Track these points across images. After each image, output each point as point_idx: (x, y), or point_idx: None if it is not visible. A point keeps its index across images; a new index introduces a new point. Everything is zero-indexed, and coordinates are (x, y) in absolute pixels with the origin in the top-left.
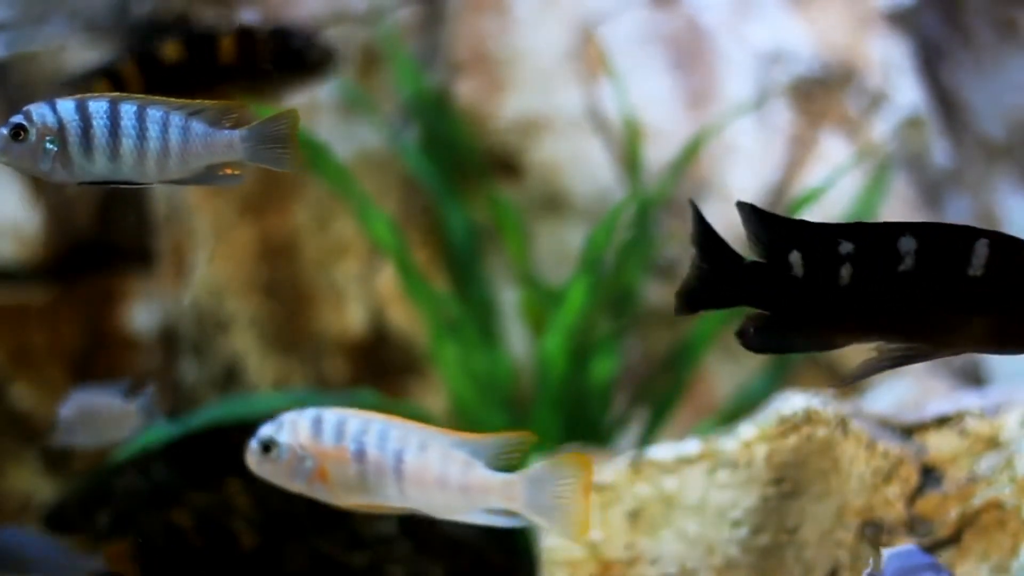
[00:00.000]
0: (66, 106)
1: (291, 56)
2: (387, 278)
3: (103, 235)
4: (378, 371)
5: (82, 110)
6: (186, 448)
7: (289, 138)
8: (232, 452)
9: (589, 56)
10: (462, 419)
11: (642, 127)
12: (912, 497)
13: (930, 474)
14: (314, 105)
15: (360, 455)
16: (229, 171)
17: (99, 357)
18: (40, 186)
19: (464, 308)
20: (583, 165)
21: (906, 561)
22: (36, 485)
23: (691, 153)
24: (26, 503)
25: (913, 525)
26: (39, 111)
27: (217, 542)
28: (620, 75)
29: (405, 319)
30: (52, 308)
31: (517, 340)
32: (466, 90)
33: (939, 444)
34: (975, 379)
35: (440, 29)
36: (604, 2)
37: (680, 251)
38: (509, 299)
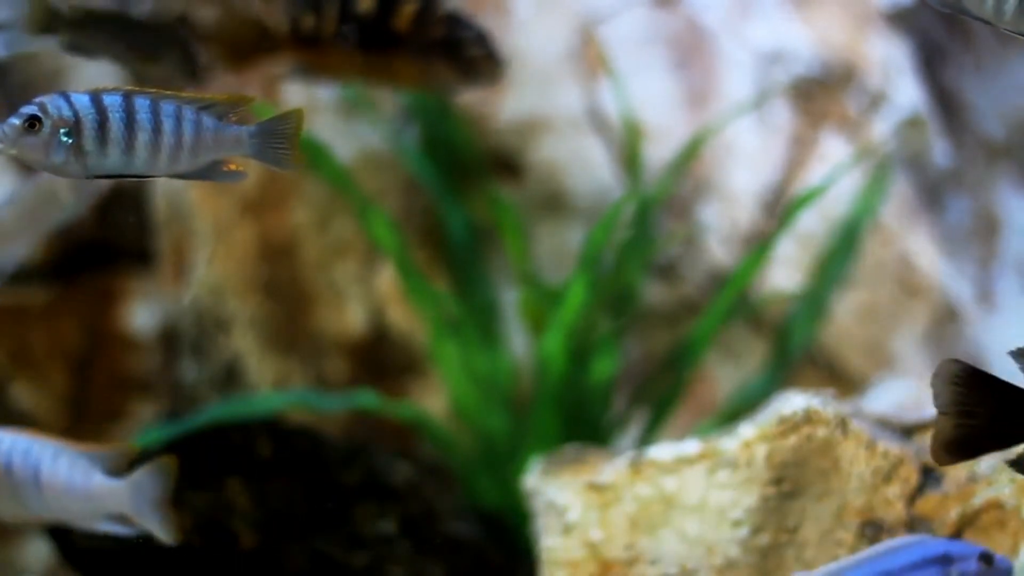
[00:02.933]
0: (81, 99)
1: (456, 44)
2: (387, 278)
3: (103, 235)
4: (378, 371)
5: (97, 103)
6: (186, 448)
7: (292, 137)
8: (232, 452)
9: (589, 56)
10: (462, 419)
11: (642, 127)
12: (912, 497)
13: (930, 474)
14: (314, 105)
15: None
16: (233, 167)
17: (99, 357)
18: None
19: (464, 308)
20: (583, 165)
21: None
22: None
23: (691, 153)
24: None
25: (913, 525)
26: (54, 103)
27: (217, 542)
28: (620, 75)
29: (405, 319)
30: (52, 308)
31: (517, 340)
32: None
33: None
34: None
35: None
36: (604, 2)
37: (680, 251)
38: (509, 299)
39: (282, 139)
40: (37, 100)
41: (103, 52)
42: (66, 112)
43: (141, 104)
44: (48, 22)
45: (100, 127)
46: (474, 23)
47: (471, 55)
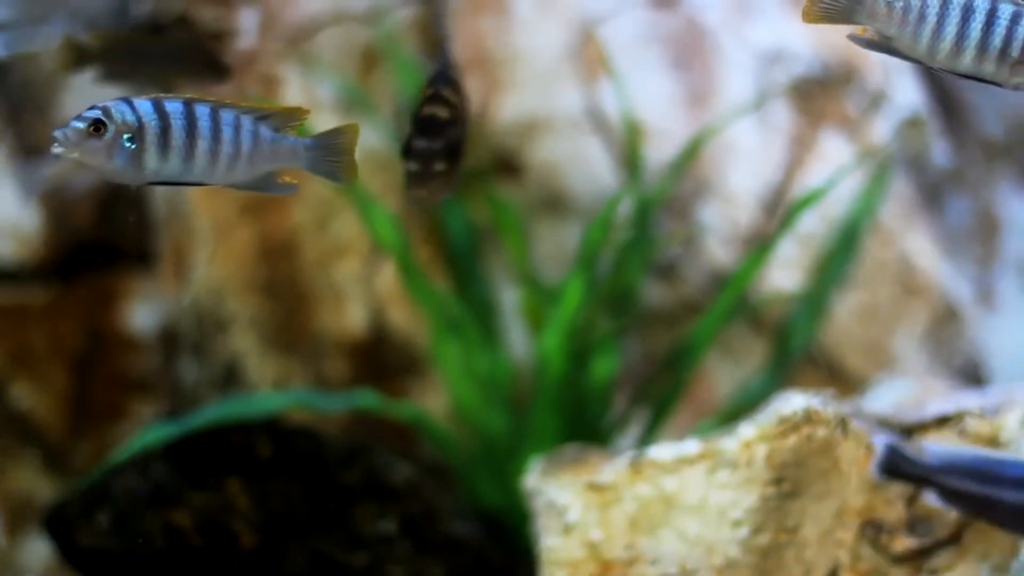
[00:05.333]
0: (144, 104)
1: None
2: (387, 278)
3: (103, 235)
4: (378, 371)
5: (160, 109)
6: (186, 448)
7: (348, 152)
8: (232, 452)
9: (589, 56)
10: (462, 419)
11: (642, 127)
12: (912, 497)
13: None
14: (314, 105)
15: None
16: (287, 179)
17: (99, 357)
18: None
19: (464, 308)
20: (583, 165)
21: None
22: (36, 485)
23: (691, 153)
24: (26, 503)
25: (913, 525)
26: (118, 108)
27: (217, 542)
28: (620, 75)
29: (405, 319)
30: (52, 308)
31: (517, 340)
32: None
33: (939, 444)
34: (975, 379)
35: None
36: (604, 2)
37: (680, 251)
38: (509, 299)
39: (338, 153)
40: (101, 104)
41: (135, 77)
42: (130, 117)
43: (202, 112)
44: (77, 59)
45: (162, 134)
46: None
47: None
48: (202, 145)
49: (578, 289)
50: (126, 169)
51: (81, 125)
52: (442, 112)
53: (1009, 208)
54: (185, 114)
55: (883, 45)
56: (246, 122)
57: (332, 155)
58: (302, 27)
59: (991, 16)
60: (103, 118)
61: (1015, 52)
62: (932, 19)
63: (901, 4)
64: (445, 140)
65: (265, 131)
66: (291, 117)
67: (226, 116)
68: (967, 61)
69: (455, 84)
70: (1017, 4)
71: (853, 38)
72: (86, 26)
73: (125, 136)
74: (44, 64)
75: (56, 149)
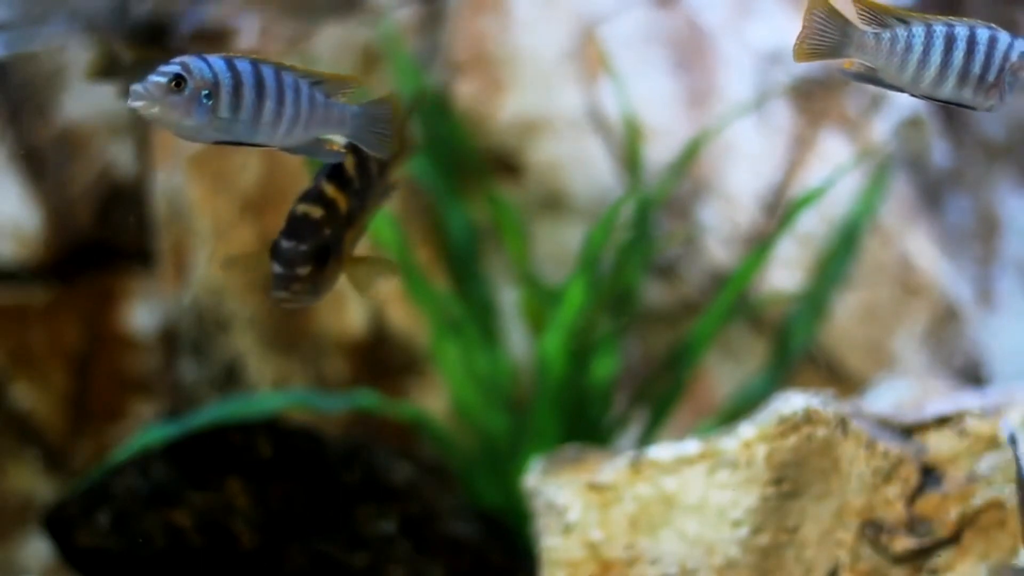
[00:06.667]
0: (218, 62)
1: None
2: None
3: (103, 235)
4: (378, 371)
5: (232, 68)
6: (186, 448)
7: (390, 123)
8: (232, 452)
9: (589, 56)
10: (462, 419)
11: (642, 127)
12: (912, 497)
13: (930, 474)
14: None
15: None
16: (334, 147)
17: (99, 357)
18: (41, 184)
19: (464, 308)
20: (583, 165)
21: None
22: (36, 485)
23: (691, 153)
24: (26, 503)
25: (913, 525)
26: (196, 64)
27: (217, 542)
28: (620, 75)
29: (405, 319)
30: (52, 308)
31: (518, 340)
32: (466, 90)
33: (939, 444)
34: (975, 379)
35: (440, 29)
36: (604, 2)
37: (680, 251)
38: (509, 299)
39: (382, 124)
40: (178, 60)
41: None
42: (207, 73)
43: (267, 73)
44: (108, 68)
45: (235, 92)
46: None
47: None
48: (269, 105)
49: (580, 290)
50: (200, 126)
51: (162, 80)
52: (315, 212)
53: (1009, 208)
54: (254, 74)
55: (869, 76)
56: (303, 86)
57: (376, 125)
58: (302, 27)
59: (971, 43)
60: (183, 73)
61: (991, 76)
62: (918, 49)
63: (888, 35)
64: (314, 242)
65: (319, 96)
66: (342, 84)
67: (287, 78)
68: (949, 88)
69: (344, 180)
70: (991, 28)
71: (841, 71)
72: (86, 26)
73: (203, 93)
74: (44, 64)
75: (135, 104)
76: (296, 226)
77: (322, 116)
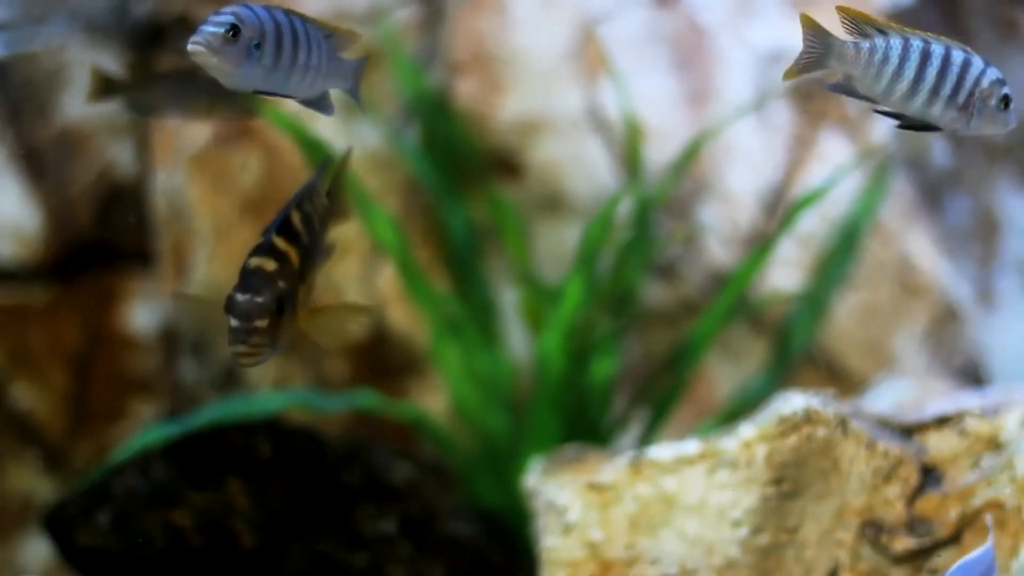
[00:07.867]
0: (263, 12)
1: None
2: (387, 278)
3: (103, 235)
4: (378, 371)
5: (273, 18)
6: (186, 448)
7: (361, 79)
8: (232, 452)
9: (589, 56)
10: (462, 419)
11: (642, 127)
12: (912, 497)
13: (930, 474)
14: None
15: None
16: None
17: (99, 357)
18: (41, 184)
19: (464, 308)
20: (583, 165)
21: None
22: (36, 485)
23: (691, 153)
24: (26, 503)
25: (913, 525)
26: (245, 13)
27: (217, 542)
28: (620, 75)
29: (405, 319)
30: (52, 308)
31: (518, 340)
32: (466, 90)
33: (939, 444)
34: (975, 379)
35: (440, 29)
36: (604, 2)
37: (680, 251)
38: (509, 299)
39: (359, 80)
40: (228, 9)
41: (163, 110)
42: (256, 23)
43: (298, 25)
44: (105, 89)
45: (277, 42)
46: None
47: None
48: (301, 57)
49: (578, 289)
50: (248, 75)
51: (219, 31)
52: (268, 264)
53: (1009, 208)
54: (290, 25)
55: (846, 87)
56: (322, 39)
57: (357, 83)
58: None
59: (945, 62)
60: (237, 23)
61: (961, 98)
62: (894, 61)
63: (867, 45)
64: (270, 294)
65: (330, 49)
66: (347, 40)
67: (313, 31)
68: (919, 103)
69: (293, 234)
70: (967, 51)
71: (826, 84)
72: (86, 26)
73: (253, 42)
74: (44, 64)
75: (197, 53)
76: (251, 279)
77: (335, 69)
